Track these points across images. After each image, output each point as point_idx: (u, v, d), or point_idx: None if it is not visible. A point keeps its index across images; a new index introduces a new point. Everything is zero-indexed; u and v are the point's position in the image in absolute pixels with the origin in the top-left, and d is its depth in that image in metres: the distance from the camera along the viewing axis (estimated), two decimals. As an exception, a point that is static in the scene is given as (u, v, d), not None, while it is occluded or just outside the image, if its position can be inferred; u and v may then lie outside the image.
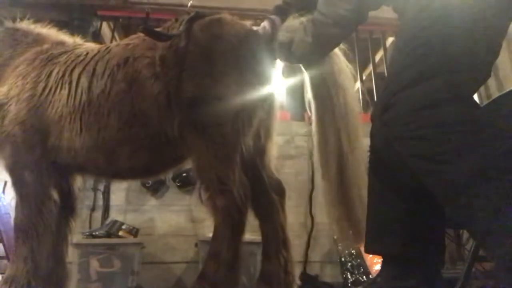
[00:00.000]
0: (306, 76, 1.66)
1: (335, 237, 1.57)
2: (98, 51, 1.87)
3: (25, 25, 2.17)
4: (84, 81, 1.78)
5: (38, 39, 2.07)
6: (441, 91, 1.20)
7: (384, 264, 1.53)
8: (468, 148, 1.12)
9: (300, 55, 1.55)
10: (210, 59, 1.61)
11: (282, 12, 1.68)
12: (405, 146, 1.26)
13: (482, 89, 3.79)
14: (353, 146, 1.55)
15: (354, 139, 1.56)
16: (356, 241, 1.58)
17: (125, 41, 1.91)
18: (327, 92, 1.59)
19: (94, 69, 1.79)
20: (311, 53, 1.53)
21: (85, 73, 1.80)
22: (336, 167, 1.54)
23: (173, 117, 1.61)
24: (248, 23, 1.78)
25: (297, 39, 1.54)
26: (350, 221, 1.53)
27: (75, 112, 1.76)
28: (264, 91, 1.65)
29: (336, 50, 1.67)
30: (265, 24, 1.69)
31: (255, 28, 1.74)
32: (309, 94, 1.66)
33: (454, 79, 1.22)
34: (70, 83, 1.81)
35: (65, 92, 1.80)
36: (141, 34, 1.77)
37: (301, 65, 1.67)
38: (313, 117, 1.64)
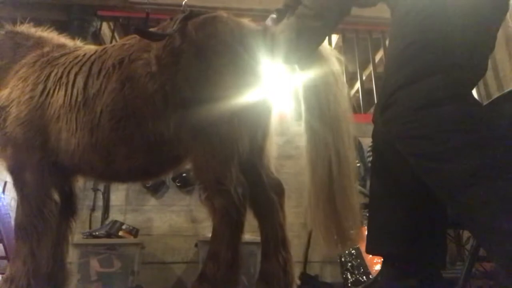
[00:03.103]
0: (299, 77, 1.64)
1: (321, 240, 1.50)
2: (95, 52, 1.87)
3: (26, 28, 2.17)
4: (80, 81, 1.78)
5: (39, 42, 2.07)
6: (441, 89, 1.19)
7: (384, 264, 1.53)
8: (469, 147, 1.12)
9: (286, 53, 1.51)
10: (205, 58, 1.60)
11: (282, 14, 1.66)
12: (406, 145, 1.26)
13: (482, 89, 3.79)
14: (342, 149, 1.51)
15: (342, 142, 1.51)
16: (342, 246, 1.52)
17: (122, 41, 1.91)
18: (316, 94, 1.56)
19: (90, 69, 1.79)
20: (296, 50, 1.50)
21: (81, 73, 1.80)
22: (324, 170, 1.50)
23: (169, 117, 1.60)
24: (245, 21, 1.76)
25: (282, 37, 1.52)
26: (336, 225, 1.48)
27: (71, 112, 1.76)
28: (260, 90, 1.63)
29: (330, 52, 1.64)
30: (267, 22, 1.67)
31: (254, 26, 1.72)
32: (300, 95, 1.63)
33: (454, 76, 1.21)
34: (67, 83, 1.81)
35: (62, 92, 1.80)
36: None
37: (296, 65, 1.65)
38: (303, 118, 1.60)
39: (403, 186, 1.44)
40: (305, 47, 1.51)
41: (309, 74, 1.59)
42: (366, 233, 1.56)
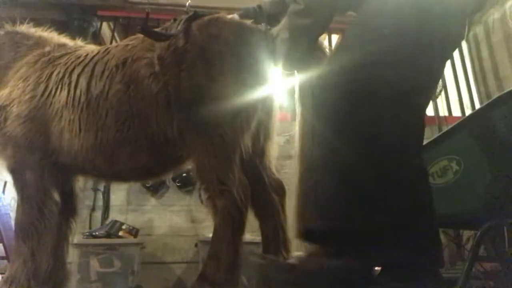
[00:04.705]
0: (297, 76, 1.64)
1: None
2: (98, 52, 1.87)
3: (26, 28, 2.17)
4: (83, 82, 1.78)
5: (40, 42, 2.07)
6: None
7: (383, 266, 1.53)
8: None
9: (282, 54, 1.51)
10: (208, 59, 1.60)
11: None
12: None
13: (482, 89, 3.79)
14: None
15: None
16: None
17: (124, 41, 1.91)
18: (309, 93, 1.56)
19: (93, 70, 1.79)
20: (289, 50, 1.49)
21: (84, 74, 1.80)
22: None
23: (172, 117, 1.61)
24: (248, 22, 1.76)
25: (279, 39, 1.51)
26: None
27: (74, 113, 1.76)
28: (263, 91, 1.64)
29: (327, 53, 1.63)
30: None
31: (257, 27, 1.73)
32: (296, 95, 1.63)
33: None
34: (70, 84, 1.81)
35: (64, 93, 1.80)
36: (140, 35, 1.77)
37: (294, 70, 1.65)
38: (297, 119, 1.60)
39: (398, 189, 1.43)
40: (297, 47, 1.50)
41: (306, 74, 1.59)
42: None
